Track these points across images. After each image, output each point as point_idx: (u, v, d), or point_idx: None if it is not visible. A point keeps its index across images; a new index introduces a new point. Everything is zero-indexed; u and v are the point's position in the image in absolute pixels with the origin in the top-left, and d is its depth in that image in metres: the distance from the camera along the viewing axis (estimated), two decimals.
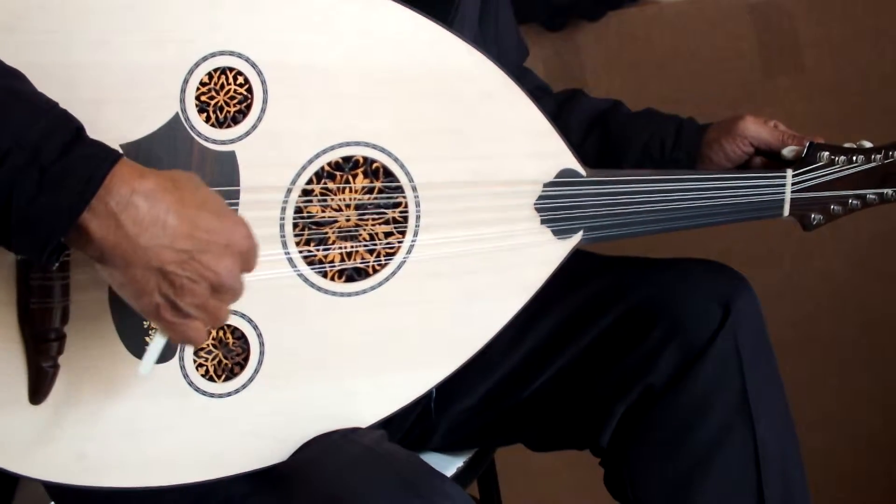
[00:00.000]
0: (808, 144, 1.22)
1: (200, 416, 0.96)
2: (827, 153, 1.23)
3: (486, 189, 1.06)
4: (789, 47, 1.85)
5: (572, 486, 1.89)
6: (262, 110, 0.94)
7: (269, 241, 0.97)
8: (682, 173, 1.17)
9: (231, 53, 0.92)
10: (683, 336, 1.17)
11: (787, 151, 1.23)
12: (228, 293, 0.83)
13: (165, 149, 0.90)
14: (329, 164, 0.99)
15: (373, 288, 1.03)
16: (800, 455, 1.21)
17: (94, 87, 0.87)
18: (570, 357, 1.22)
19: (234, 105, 0.94)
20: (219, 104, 0.93)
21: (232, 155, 0.94)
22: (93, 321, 0.90)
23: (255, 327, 0.97)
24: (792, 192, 1.22)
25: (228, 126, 0.94)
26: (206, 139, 0.93)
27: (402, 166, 1.02)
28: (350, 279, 1.02)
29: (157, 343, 0.87)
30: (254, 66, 0.94)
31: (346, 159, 1.00)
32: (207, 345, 0.96)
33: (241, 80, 0.93)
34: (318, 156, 0.98)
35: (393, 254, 1.03)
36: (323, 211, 1.00)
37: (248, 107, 0.94)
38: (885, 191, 1.26)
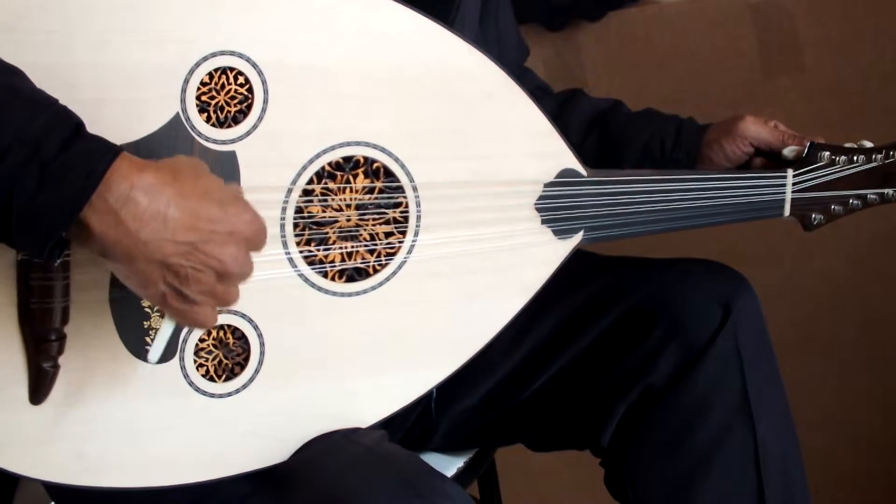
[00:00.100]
0: (808, 144, 1.22)
1: (201, 416, 0.96)
2: (827, 153, 1.23)
3: (487, 189, 1.06)
4: (789, 47, 1.85)
5: (572, 486, 1.89)
6: (263, 110, 0.94)
7: (270, 241, 0.96)
8: (682, 173, 1.17)
9: (232, 53, 0.92)
10: (684, 336, 1.17)
11: (788, 151, 1.23)
12: (235, 277, 0.83)
13: (166, 149, 0.90)
14: (330, 163, 0.99)
15: (373, 288, 1.03)
16: (800, 455, 1.21)
17: (94, 87, 0.87)
18: (571, 357, 1.22)
19: (235, 105, 0.94)
20: (219, 104, 0.93)
21: (232, 155, 0.94)
22: (93, 321, 0.90)
23: (256, 327, 0.97)
24: (792, 192, 1.22)
25: (229, 126, 0.94)
26: (207, 139, 0.93)
27: (402, 166, 1.02)
28: (350, 279, 1.02)
29: (165, 329, 0.87)
30: (254, 66, 0.94)
31: (347, 159, 1.00)
32: (208, 345, 0.96)
33: (241, 79, 0.93)
34: (318, 156, 0.98)
35: (393, 254, 1.03)
36: (323, 211, 1.00)
37: (249, 107, 0.94)
38: (885, 191, 1.26)
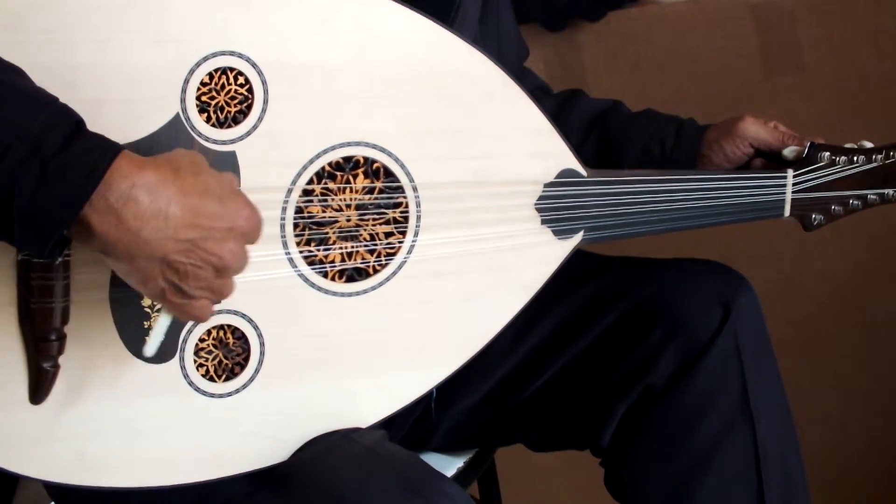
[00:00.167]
0: (808, 145, 1.22)
1: (201, 416, 0.96)
2: (828, 153, 1.22)
3: (487, 189, 1.06)
4: (789, 47, 1.85)
5: (572, 487, 1.89)
6: (263, 110, 0.94)
7: (270, 241, 0.97)
8: (682, 174, 1.17)
9: (232, 53, 0.92)
10: (684, 336, 1.17)
11: (788, 152, 1.23)
12: (232, 271, 0.84)
13: (166, 149, 0.89)
14: (330, 164, 0.99)
15: (373, 288, 1.03)
16: (800, 455, 1.21)
17: (94, 87, 0.87)
18: (571, 357, 1.22)
19: (235, 105, 0.94)
20: (219, 104, 0.93)
21: (233, 155, 0.94)
22: (93, 321, 0.90)
23: (256, 327, 0.97)
24: (793, 192, 1.22)
25: (229, 126, 0.94)
26: (207, 139, 0.93)
27: (402, 166, 1.02)
28: (350, 279, 1.02)
29: (162, 323, 0.87)
30: (254, 66, 0.93)
31: (347, 159, 1.00)
32: (208, 345, 0.96)
33: (241, 80, 0.93)
34: (318, 156, 0.98)
35: (393, 254, 1.03)
36: (323, 211, 1.00)
37: (249, 107, 0.94)
38: (885, 191, 1.26)
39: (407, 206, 1.03)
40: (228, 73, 0.93)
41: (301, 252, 0.99)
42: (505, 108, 1.07)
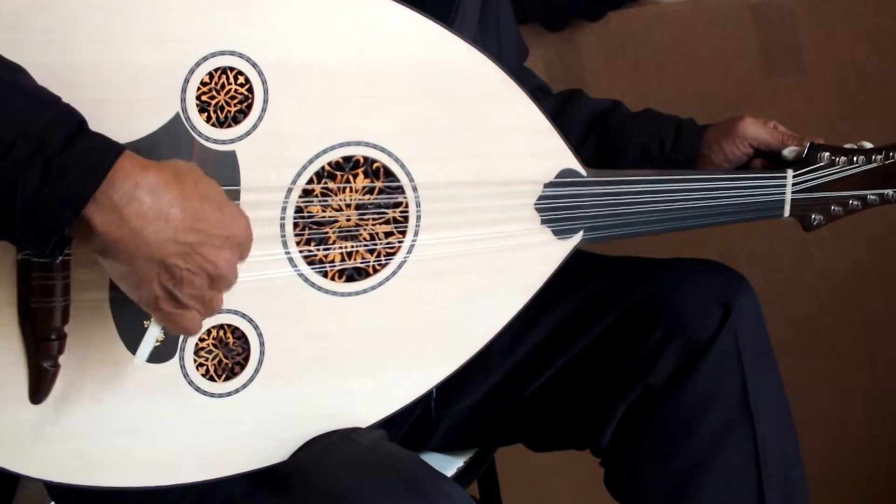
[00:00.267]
0: (808, 145, 1.22)
1: (201, 416, 0.96)
2: (827, 154, 1.22)
3: (487, 189, 1.06)
4: (789, 47, 1.85)
5: (572, 486, 1.89)
6: (263, 110, 0.94)
7: (270, 241, 0.97)
8: (681, 173, 1.17)
9: (232, 53, 0.92)
10: (684, 336, 1.17)
11: (788, 152, 1.23)
12: (224, 283, 0.85)
13: (166, 149, 0.90)
14: (330, 163, 0.99)
15: (373, 288, 1.03)
16: (800, 455, 1.21)
17: (94, 87, 0.87)
18: (571, 357, 1.22)
19: (235, 105, 0.94)
20: (219, 104, 0.93)
21: (232, 155, 0.94)
22: (93, 321, 0.90)
23: (256, 327, 0.97)
24: (792, 192, 1.22)
25: (229, 126, 0.94)
26: (207, 139, 0.93)
27: (402, 166, 1.02)
28: (350, 279, 1.02)
29: (152, 332, 0.88)
30: (255, 65, 0.93)
31: (347, 159, 1.00)
32: (208, 344, 0.96)
33: (241, 79, 0.93)
34: (318, 155, 0.98)
35: (393, 253, 1.03)
36: (323, 211, 1.00)
37: (249, 106, 0.94)
38: (885, 191, 1.26)
39: (407, 206, 1.03)
40: (228, 72, 0.93)
41: (301, 252, 0.99)
42: (505, 108, 1.07)
